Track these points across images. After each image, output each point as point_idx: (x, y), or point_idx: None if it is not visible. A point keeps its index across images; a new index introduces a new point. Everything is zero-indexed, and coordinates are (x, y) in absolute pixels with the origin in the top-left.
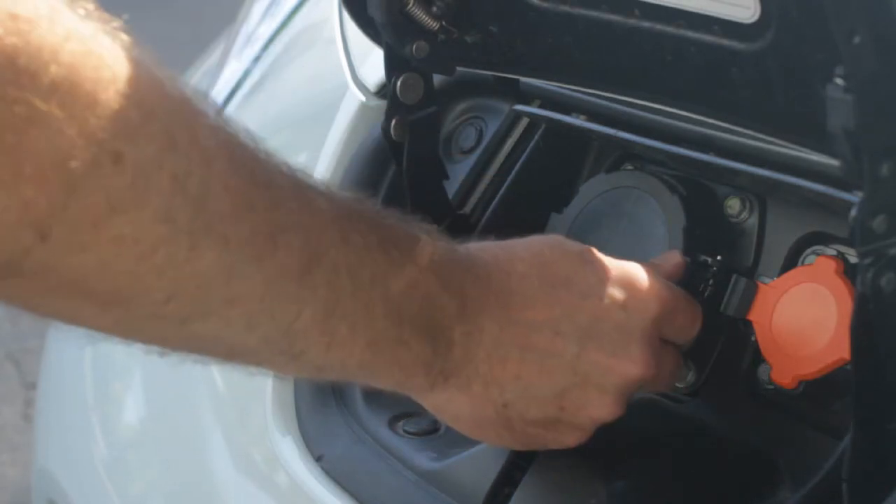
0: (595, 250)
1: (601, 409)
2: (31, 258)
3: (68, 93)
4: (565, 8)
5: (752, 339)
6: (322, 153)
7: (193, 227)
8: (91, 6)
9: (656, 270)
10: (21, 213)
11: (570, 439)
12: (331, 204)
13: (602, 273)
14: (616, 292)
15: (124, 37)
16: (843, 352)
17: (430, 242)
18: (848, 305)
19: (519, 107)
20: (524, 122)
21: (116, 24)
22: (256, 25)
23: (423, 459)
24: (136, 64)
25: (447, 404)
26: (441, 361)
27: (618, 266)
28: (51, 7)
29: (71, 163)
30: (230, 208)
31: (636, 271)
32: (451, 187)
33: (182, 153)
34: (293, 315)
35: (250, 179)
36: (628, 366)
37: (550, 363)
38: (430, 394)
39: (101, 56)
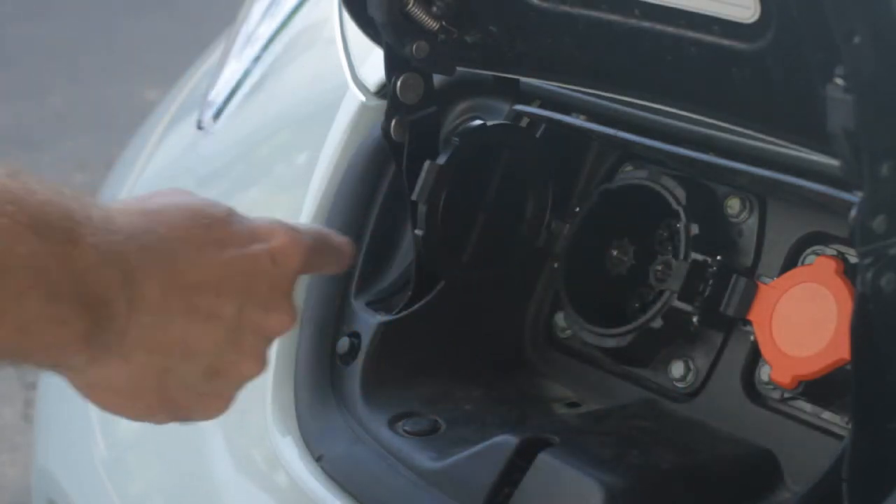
0: (236, 211)
1: (251, 366)
2: None
3: None
4: (565, 8)
5: (752, 339)
6: (322, 153)
7: None
8: None
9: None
10: None
11: (214, 409)
12: None
13: (249, 231)
14: (264, 245)
15: None
16: (843, 352)
17: (85, 214)
18: (848, 305)
19: (519, 107)
20: (524, 122)
21: None
22: (256, 25)
23: (423, 459)
24: None
25: (104, 379)
26: (103, 333)
27: (261, 222)
28: None
29: None
30: None
31: (277, 224)
32: None
33: None
34: None
35: None
36: (283, 319)
37: (212, 324)
38: (87, 370)
39: None
